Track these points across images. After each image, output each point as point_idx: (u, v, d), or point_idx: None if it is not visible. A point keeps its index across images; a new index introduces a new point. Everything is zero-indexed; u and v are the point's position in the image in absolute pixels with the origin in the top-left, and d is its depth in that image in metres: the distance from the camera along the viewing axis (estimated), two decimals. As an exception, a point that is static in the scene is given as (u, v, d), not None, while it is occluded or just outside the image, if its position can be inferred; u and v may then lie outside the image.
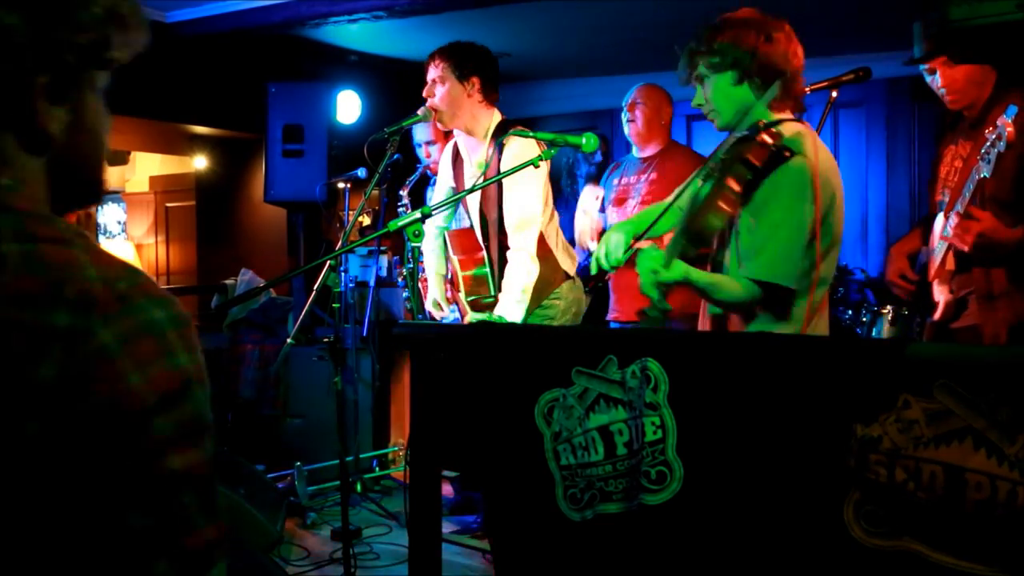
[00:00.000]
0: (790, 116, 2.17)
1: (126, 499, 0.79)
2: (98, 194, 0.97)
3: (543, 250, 3.19)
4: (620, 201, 4.01)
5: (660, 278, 2.00)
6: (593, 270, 2.29)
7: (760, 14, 2.16)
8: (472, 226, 3.37)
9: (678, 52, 2.24)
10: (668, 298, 2.05)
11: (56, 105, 0.87)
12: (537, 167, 2.65)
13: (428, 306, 3.69)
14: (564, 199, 6.17)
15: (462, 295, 3.38)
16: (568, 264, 3.32)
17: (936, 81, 2.72)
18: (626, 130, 4.05)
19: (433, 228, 3.59)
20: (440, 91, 3.21)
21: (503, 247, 3.22)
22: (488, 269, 3.30)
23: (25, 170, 0.87)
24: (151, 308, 0.83)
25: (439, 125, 3.33)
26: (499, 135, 3.19)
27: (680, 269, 2.02)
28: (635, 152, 4.09)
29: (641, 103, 4.00)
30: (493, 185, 3.17)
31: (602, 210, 4.15)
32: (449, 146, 3.50)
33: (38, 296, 0.78)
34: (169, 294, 0.87)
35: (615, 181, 4.09)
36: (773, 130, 2.01)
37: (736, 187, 1.98)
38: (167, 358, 0.83)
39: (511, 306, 3.08)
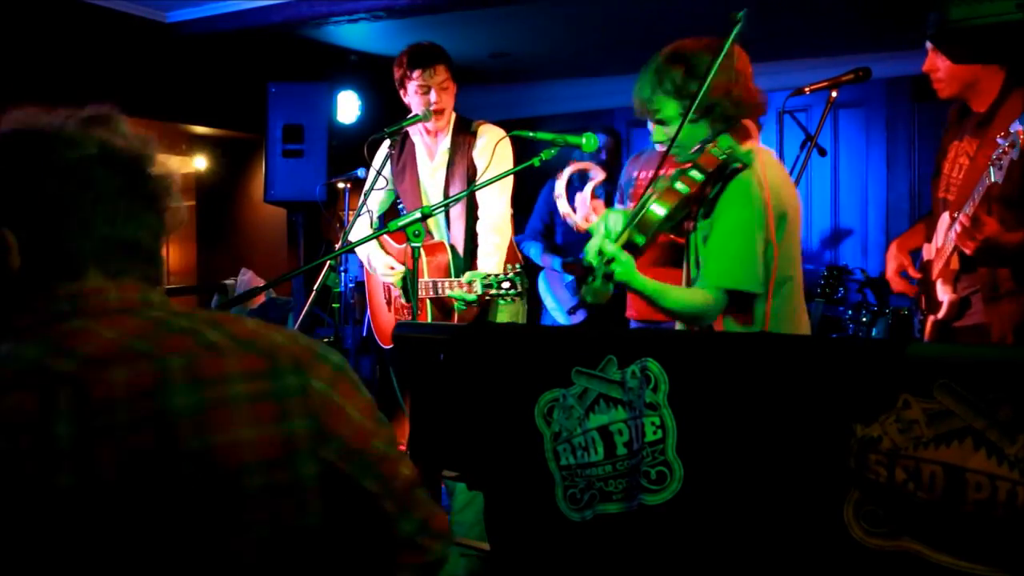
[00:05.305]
0: (750, 141, 2.21)
1: (397, 510, 1.00)
2: None
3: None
4: (637, 196, 3.87)
5: (606, 249, 2.02)
6: (592, 257, 2.12)
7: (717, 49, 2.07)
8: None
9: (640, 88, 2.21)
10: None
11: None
12: (537, 166, 2.67)
13: (380, 270, 3.42)
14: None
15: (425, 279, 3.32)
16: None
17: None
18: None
19: (369, 219, 3.41)
20: (447, 94, 3.27)
21: (471, 233, 3.25)
22: (450, 256, 3.29)
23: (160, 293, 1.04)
24: (329, 354, 0.99)
25: (437, 124, 3.33)
26: (460, 125, 3.31)
27: (629, 267, 2.03)
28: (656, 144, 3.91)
29: None
30: (460, 168, 3.25)
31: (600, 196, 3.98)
32: (382, 154, 3.40)
33: (265, 369, 0.91)
34: None
35: (634, 174, 3.83)
36: (724, 147, 2.09)
37: (685, 186, 2.08)
38: (360, 390, 0.98)
39: (493, 258, 3.15)
